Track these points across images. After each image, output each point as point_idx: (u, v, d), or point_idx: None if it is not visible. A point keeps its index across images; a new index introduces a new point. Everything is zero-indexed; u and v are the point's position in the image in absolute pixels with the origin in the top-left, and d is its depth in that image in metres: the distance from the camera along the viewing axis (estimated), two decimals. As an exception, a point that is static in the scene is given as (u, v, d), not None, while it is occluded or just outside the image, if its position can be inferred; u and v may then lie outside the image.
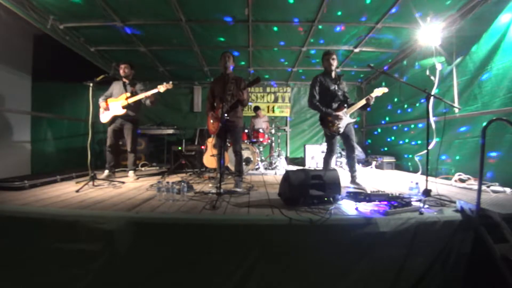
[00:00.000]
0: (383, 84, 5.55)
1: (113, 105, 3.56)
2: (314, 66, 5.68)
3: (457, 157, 3.64)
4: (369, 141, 6.66)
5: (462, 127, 3.57)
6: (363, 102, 3.05)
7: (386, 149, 5.70)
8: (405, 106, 4.91)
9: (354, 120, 3.16)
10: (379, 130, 6.13)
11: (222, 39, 4.49)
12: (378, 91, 3.08)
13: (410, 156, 4.69)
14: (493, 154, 3.10)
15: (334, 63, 3.09)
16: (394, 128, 5.40)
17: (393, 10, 3.58)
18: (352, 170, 3.17)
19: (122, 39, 4.35)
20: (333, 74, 3.14)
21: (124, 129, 3.69)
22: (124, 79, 3.65)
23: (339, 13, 3.70)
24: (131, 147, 3.73)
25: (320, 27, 4.04)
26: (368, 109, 3.23)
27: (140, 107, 3.69)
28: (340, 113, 3.04)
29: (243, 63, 5.50)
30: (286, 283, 1.79)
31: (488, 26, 3.23)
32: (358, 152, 5.36)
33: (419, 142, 4.58)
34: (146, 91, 3.54)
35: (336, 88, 3.09)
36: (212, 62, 5.40)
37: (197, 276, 1.78)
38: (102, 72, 3.92)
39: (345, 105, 3.11)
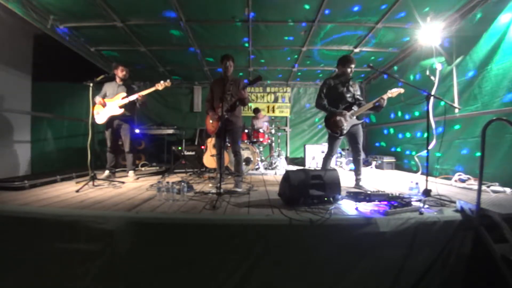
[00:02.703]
0: (384, 84, 5.58)
1: (109, 105, 3.54)
2: (314, 66, 5.68)
3: (457, 157, 3.64)
4: (370, 141, 6.65)
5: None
6: (370, 104, 3.01)
7: (388, 149, 5.70)
8: (406, 105, 4.91)
9: (360, 121, 3.12)
10: (379, 130, 6.14)
11: (222, 39, 4.49)
12: (393, 92, 3.00)
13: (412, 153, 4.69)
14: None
15: (350, 72, 3.07)
16: (394, 128, 5.41)
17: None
18: (357, 173, 3.16)
19: (122, 39, 4.35)
20: (344, 78, 3.11)
21: (121, 129, 3.69)
22: (119, 80, 3.66)
23: (339, 13, 3.70)
24: (129, 147, 3.73)
25: (320, 27, 4.04)
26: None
27: (135, 107, 3.70)
28: (344, 115, 3.02)
29: (243, 63, 5.50)
30: (286, 283, 1.79)
31: (488, 26, 3.23)
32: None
33: (419, 142, 4.58)
34: (140, 91, 3.55)
35: (345, 91, 3.09)
36: (212, 62, 5.40)
37: (197, 276, 1.78)
38: (102, 72, 3.92)
39: (354, 107, 3.08)
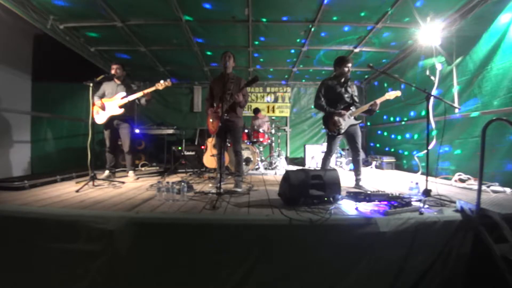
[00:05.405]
0: (385, 84, 5.58)
1: (109, 105, 3.53)
2: (314, 66, 5.68)
3: (457, 157, 3.63)
4: (370, 141, 6.65)
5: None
6: (366, 107, 3.03)
7: (388, 149, 5.70)
8: (405, 106, 4.91)
9: (358, 122, 3.14)
10: (379, 130, 6.14)
11: (222, 38, 4.49)
12: (391, 95, 3.05)
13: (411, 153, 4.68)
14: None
15: (348, 72, 3.08)
16: (394, 128, 5.40)
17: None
18: (356, 173, 3.16)
19: (122, 39, 4.35)
20: (342, 79, 3.14)
21: (120, 129, 3.67)
22: (116, 80, 3.64)
23: (339, 13, 3.70)
24: (128, 148, 3.72)
25: (320, 27, 4.04)
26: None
27: (134, 106, 3.68)
28: (342, 114, 3.05)
29: (243, 63, 5.50)
30: (286, 283, 1.79)
31: (488, 26, 3.23)
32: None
33: (419, 141, 4.58)
34: (139, 90, 3.55)
35: (343, 91, 3.11)
36: (212, 62, 5.40)
37: (197, 276, 1.78)
38: (102, 72, 3.92)
39: (351, 107, 3.12)
